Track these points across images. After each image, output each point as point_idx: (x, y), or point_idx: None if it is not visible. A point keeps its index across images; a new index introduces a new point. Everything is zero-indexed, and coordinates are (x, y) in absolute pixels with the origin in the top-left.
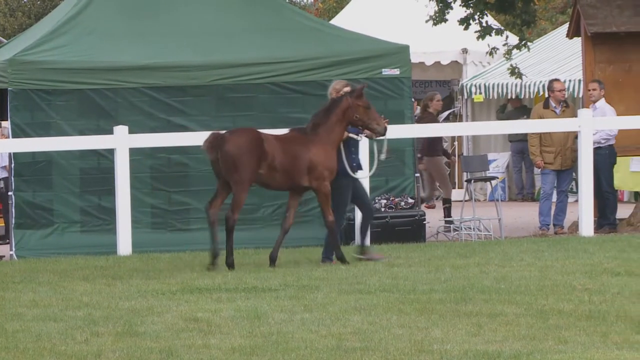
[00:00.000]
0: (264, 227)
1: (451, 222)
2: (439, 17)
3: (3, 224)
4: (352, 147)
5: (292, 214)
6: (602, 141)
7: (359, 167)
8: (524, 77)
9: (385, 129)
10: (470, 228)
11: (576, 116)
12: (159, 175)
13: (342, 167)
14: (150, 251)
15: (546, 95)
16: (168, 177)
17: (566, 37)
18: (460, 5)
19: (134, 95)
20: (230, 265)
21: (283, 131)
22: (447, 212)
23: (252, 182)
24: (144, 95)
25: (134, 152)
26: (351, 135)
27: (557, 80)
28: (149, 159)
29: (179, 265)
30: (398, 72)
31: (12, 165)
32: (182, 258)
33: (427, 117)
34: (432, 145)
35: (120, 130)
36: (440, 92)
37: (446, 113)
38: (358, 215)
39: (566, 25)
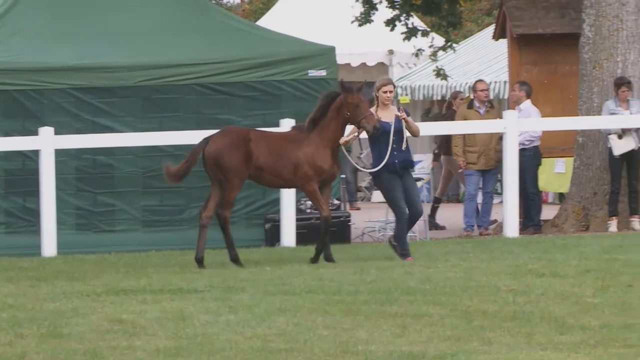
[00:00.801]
0: (190, 228)
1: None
2: (365, 18)
3: None
4: (392, 142)
5: (325, 203)
6: (526, 142)
7: (403, 164)
8: (449, 78)
9: (374, 127)
10: None
11: (501, 117)
12: (84, 176)
13: (377, 165)
14: (75, 252)
15: (471, 97)
16: (93, 178)
17: (492, 38)
18: (386, 6)
19: (60, 97)
20: (234, 259)
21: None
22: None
23: (241, 181)
24: (70, 97)
25: (59, 153)
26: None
27: (480, 80)
28: (74, 160)
29: (104, 266)
30: (324, 74)
31: None
32: (107, 259)
33: (452, 115)
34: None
35: (46, 131)
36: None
37: None
38: (283, 216)
39: (492, 27)
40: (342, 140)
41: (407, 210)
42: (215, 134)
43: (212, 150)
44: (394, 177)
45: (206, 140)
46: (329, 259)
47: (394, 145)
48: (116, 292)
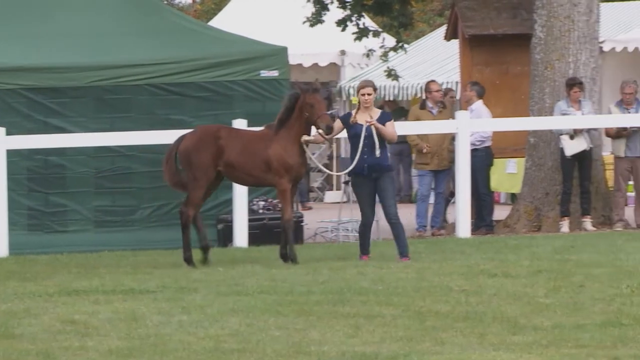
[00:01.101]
0: (141, 229)
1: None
2: (316, 19)
3: None
4: (363, 146)
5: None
6: (477, 143)
7: (373, 169)
8: (400, 79)
9: (327, 126)
10: (348, 230)
11: (453, 117)
12: (36, 176)
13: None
14: (27, 253)
15: (423, 97)
16: (45, 178)
17: (444, 39)
18: (337, 6)
19: (11, 97)
20: (188, 260)
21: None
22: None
23: (208, 180)
24: (21, 97)
25: (11, 154)
26: (307, 138)
27: (433, 81)
28: (26, 160)
29: (56, 267)
30: (276, 74)
31: None
32: (59, 260)
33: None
34: None
35: None
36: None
37: None
38: (236, 216)
39: (444, 28)
40: (304, 138)
41: (370, 216)
42: (189, 132)
43: (182, 149)
44: (362, 182)
45: (180, 139)
46: (284, 258)
47: (365, 149)
48: (68, 293)
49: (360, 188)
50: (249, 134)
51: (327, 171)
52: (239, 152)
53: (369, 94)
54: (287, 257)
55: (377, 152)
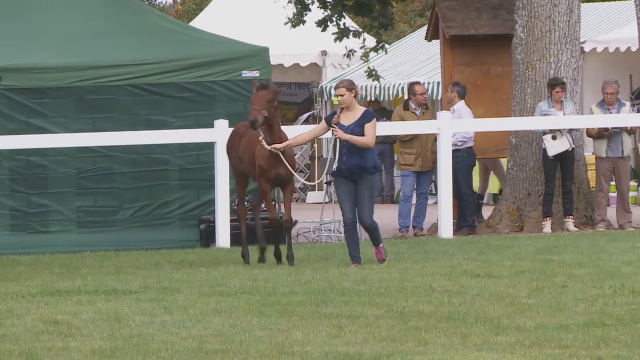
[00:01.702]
0: (123, 229)
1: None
2: (297, 19)
3: None
4: (343, 148)
5: (285, 206)
6: (459, 143)
7: (351, 170)
8: (381, 79)
9: (250, 121)
10: (330, 230)
11: (435, 118)
12: (18, 177)
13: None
14: (9, 254)
15: (406, 97)
16: (27, 179)
17: (425, 39)
18: (317, 7)
19: None
20: (243, 256)
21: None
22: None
23: (240, 176)
24: (2, 97)
25: None
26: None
27: (418, 83)
28: (8, 160)
29: (38, 267)
30: (258, 74)
31: None
32: (41, 260)
33: None
34: None
35: None
36: (300, 95)
37: (305, 115)
38: (218, 216)
39: (425, 28)
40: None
41: (349, 216)
42: None
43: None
44: (344, 182)
45: None
46: (278, 257)
47: (344, 150)
48: (51, 293)
49: (339, 188)
50: (255, 132)
51: (302, 180)
52: (243, 149)
53: (341, 95)
54: (290, 257)
55: (334, 166)
